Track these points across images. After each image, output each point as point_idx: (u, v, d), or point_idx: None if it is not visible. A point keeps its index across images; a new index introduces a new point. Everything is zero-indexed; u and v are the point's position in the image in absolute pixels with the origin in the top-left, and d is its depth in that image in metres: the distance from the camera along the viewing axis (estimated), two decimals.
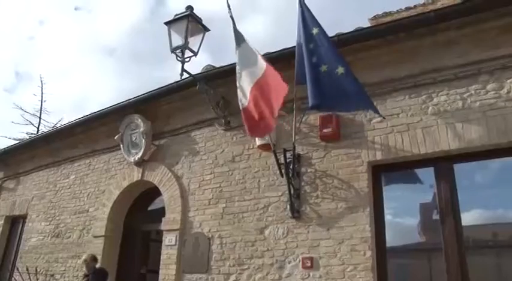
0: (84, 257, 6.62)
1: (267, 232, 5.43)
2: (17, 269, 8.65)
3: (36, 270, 8.00)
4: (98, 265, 6.57)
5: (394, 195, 5.15)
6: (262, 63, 5.02)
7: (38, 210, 9.06)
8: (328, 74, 4.55)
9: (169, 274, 6.11)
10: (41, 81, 22.24)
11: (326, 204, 5.10)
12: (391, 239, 4.86)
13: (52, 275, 7.85)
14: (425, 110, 4.81)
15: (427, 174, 4.92)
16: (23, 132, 20.27)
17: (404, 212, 5.09)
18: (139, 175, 7.16)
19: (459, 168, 4.67)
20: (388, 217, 4.94)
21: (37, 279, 7.84)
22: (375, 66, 5.11)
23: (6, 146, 10.41)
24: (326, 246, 4.92)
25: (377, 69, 5.10)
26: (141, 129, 7.11)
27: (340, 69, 4.49)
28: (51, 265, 8.06)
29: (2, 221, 10.04)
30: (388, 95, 5.04)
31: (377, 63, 5.13)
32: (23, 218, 9.57)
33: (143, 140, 7.05)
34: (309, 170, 5.36)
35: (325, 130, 5.31)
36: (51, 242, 8.35)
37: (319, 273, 4.88)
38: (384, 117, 4.86)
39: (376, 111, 4.61)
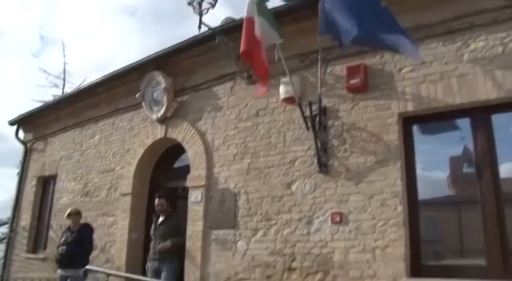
0: (68, 211, 6.58)
1: (294, 187, 5.33)
2: (52, 227, 8.88)
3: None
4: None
5: (426, 148, 4.93)
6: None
7: (67, 170, 9.18)
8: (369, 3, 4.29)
9: (196, 230, 6.13)
10: (63, 43, 22.19)
11: (355, 158, 4.94)
12: (423, 193, 4.70)
13: None
14: (460, 58, 4.51)
15: (461, 125, 4.69)
16: (49, 94, 20.40)
17: (436, 165, 4.89)
18: (163, 133, 7.10)
19: (497, 118, 4.40)
20: (419, 171, 4.76)
21: None
22: (406, 11, 4.74)
23: (32, 109, 10.45)
24: (355, 201, 4.81)
25: (409, 14, 4.73)
26: (162, 86, 6.98)
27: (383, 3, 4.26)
28: None
29: (35, 182, 10.29)
30: (420, 42, 4.69)
31: (409, 7, 4.78)
32: (53, 178, 9.75)
33: (165, 97, 6.94)
34: (336, 123, 5.17)
35: (352, 81, 5.08)
36: (81, 201, 8.48)
37: (348, 228, 4.79)
38: (419, 61, 4.60)
39: (416, 54, 4.28)
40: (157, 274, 5.86)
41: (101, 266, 7.45)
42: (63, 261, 6.11)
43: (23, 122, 10.80)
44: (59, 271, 6.22)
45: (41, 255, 9.01)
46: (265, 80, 5.04)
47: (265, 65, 4.90)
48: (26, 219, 10.12)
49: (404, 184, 4.61)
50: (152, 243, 6.23)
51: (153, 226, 6.31)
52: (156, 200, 6.26)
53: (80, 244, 6.17)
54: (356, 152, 4.95)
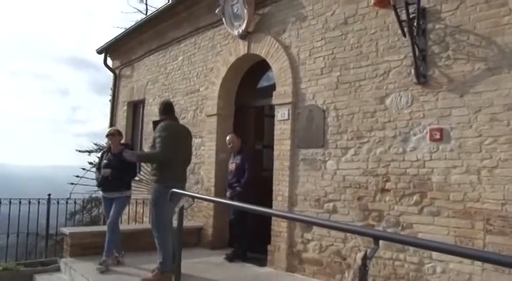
0: (108, 131, 6.04)
1: (388, 101, 4.84)
2: (143, 150, 9.15)
3: None
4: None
5: None
6: None
7: (154, 94, 9.31)
8: None
9: (283, 150, 5.92)
10: None
11: (459, 66, 4.30)
12: None
13: None
14: None
15: None
16: (133, 20, 20.68)
17: None
18: (246, 49, 6.77)
19: None
20: None
21: None
22: None
23: (116, 35, 10.53)
24: (459, 115, 4.24)
25: None
26: None
27: None
28: None
29: (125, 107, 10.64)
30: None
31: None
32: (142, 102, 10.01)
33: (245, 10, 6.52)
34: (437, 27, 4.50)
35: None
36: None
37: (450, 146, 4.28)
38: None
39: None
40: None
41: (191, 187, 7.62)
42: (108, 185, 5.77)
43: (109, 49, 11.04)
44: (103, 194, 5.96)
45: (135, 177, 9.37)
46: None
47: None
48: None
49: None
50: None
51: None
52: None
53: (125, 167, 5.73)
54: (461, 59, 4.30)
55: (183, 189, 5.04)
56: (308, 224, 5.39)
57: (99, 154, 6.17)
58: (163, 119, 5.37)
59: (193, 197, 4.44)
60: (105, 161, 5.86)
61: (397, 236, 3.53)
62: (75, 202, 8.86)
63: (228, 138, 6.69)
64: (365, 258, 2.41)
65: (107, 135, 5.97)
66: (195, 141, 7.66)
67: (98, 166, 6.05)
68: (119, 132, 6.05)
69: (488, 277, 3.90)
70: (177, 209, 4.63)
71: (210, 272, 5.58)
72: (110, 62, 11.39)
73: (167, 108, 5.46)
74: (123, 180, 5.82)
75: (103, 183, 5.82)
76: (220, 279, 5.27)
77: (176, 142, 5.20)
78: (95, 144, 18.04)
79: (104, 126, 10.85)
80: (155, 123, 5.48)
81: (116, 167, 5.71)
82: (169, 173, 5.13)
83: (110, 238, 5.66)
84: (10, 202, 7.39)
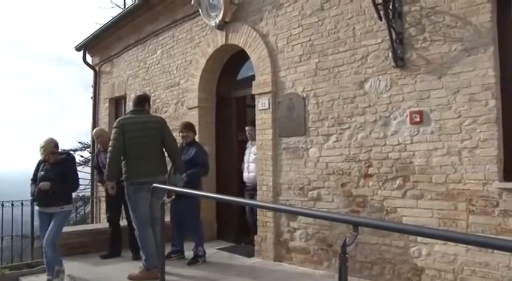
0: (42, 143, 5.20)
1: (367, 85, 4.81)
2: None
3: None
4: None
5: None
6: None
7: (135, 89, 9.20)
8: None
9: (265, 140, 5.88)
10: None
11: (436, 47, 4.28)
12: None
13: None
14: None
15: None
16: (112, 16, 20.30)
17: None
18: (223, 39, 6.70)
19: None
20: None
21: None
22: None
23: (94, 31, 10.38)
24: (438, 97, 4.23)
25: None
26: None
27: None
28: None
29: (107, 103, 10.52)
30: None
31: None
32: (123, 98, 9.90)
33: (221, 0, 6.43)
34: (413, 9, 4.48)
35: None
36: None
37: (430, 128, 4.28)
38: None
39: None
40: None
41: None
42: (46, 199, 5.08)
43: (88, 46, 10.90)
44: (39, 209, 5.25)
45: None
46: None
47: None
48: None
49: (498, 74, 3.92)
50: None
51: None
52: None
53: (65, 179, 5.14)
54: (438, 41, 4.28)
55: (150, 184, 4.64)
56: (290, 214, 5.36)
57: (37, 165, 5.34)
58: None
59: (174, 191, 4.39)
60: (42, 172, 5.19)
61: (375, 221, 3.49)
62: None
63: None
64: (344, 245, 2.39)
65: (41, 148, 5.20)
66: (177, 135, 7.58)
67: (34, 178, 5.30)
68: (55, 143, 5.25)
69: (472, 256, 3.92)
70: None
71: (198, 264, 5.54)
72: (89, 59, 11.24)
73: (133, 102, 5.41)
74: (64, 193, 5.19)
75: (40, 197, 5.13)
76: (208, 271, 5.24)
77: (131, 135, 5.00)
78: (79, 142, 17.85)
79: (89, 124, 10.78)
80: None
81: (55, 178, 5.08)
82: (132, 169, 5.01)
83: (52, 257, 5.07)
84: None
